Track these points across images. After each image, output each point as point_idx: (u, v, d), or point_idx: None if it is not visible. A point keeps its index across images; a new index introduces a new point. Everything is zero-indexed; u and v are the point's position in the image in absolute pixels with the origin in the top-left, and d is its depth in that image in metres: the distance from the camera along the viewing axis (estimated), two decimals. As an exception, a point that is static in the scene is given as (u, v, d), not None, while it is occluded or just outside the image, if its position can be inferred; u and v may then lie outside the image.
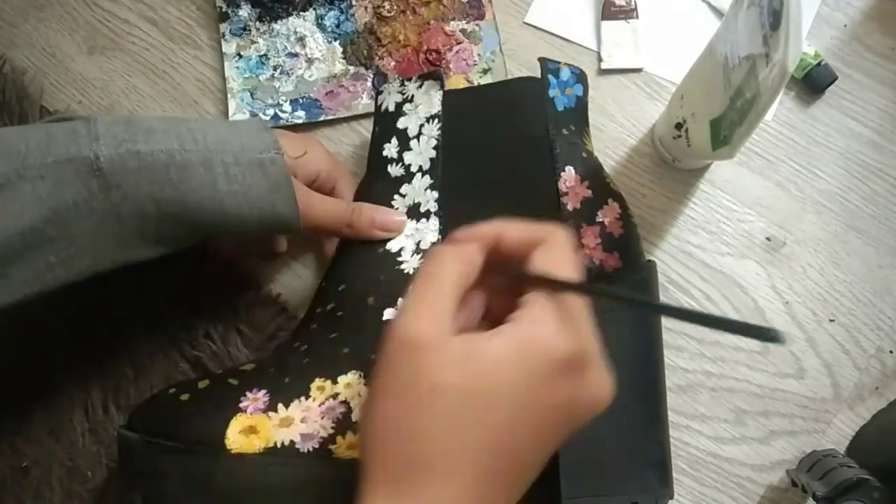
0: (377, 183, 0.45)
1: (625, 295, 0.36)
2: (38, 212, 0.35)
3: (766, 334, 0.25)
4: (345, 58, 0.54)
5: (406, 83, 0.46)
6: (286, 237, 0.48)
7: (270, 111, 0.53)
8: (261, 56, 0.54)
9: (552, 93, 0.45)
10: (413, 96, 0.46)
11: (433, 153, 0.45)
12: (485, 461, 0.28)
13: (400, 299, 0.42)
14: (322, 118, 0.53)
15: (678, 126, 0.48)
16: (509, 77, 0.53)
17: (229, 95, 0.53)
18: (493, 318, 0.31)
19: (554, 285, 0.30)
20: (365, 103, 0.53)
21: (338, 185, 0.46)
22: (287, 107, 0.53)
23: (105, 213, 0.37)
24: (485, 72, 0.54)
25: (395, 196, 0.45)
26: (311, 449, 0.37)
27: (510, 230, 0.32)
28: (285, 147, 0.41)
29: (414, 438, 0.28)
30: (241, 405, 0.38)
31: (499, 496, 0.28)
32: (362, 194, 0.45)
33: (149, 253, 0.39)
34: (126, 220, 0.37)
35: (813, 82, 0.53)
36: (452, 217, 0.44)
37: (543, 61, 0.46)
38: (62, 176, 0.36)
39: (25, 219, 0.35)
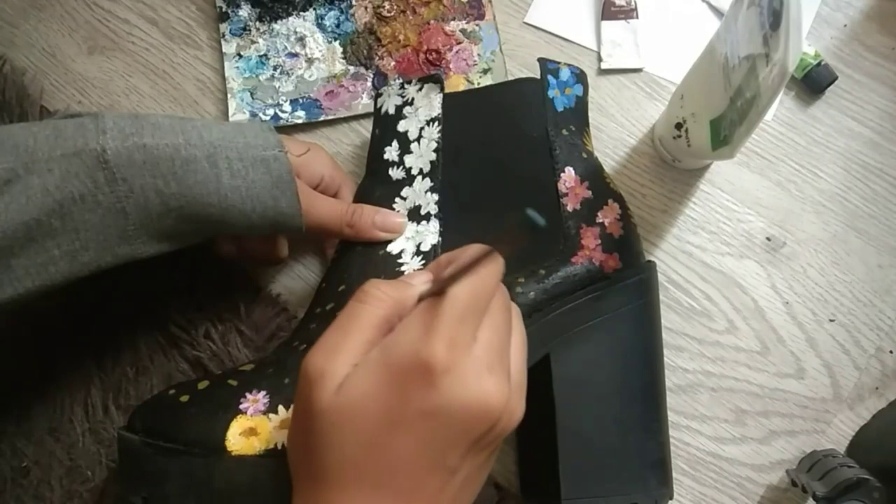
0: (378, 186, 0.45)
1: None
2: (44, 204, 0.36)
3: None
4: (345, 58, 0.54)
5: (406, 86, 0.46)
6: (287, 243, 0.48)
7: (270, 111, 0.53)
8: (261, 56, 0.54)
9: (552, 93, 0.45)
10: (413, 99, 0.46)
11: (433, 156, 0.45)
12: (369, 473, 0.30)
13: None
14: (322, 118, 0.53)
15: (678, 126, 0.48)
16: (509, 77, 0.53)
17: (229, 95, 0.53)
18: None
19: (437, 285, 0.32)
20: (365, 103, 0.53)
21: (341, 191, 0.47)
22: (287, 107, 0.53)
23: (110, 206, 0.37)
24: (485, 72, 0.54)
25: (396, 199, 0.45)
26: None
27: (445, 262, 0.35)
28: (289, 147, 0.42)
29: (308, 455, 0.31)
30: (241, 407, 0.38)
31: (400, 498, 0.30)
32: (363, 198, 0.45)
33: (152, 249, 0.39)
34: (131, 214, 0.38)
35: (813, 82, 0.53)
36: (453, 219, 0.44)
37: (543, 62, 0.46)
38: (69, 168, 0.36)
39: (32, 211, 0.36)
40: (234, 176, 0.39)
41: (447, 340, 0.29)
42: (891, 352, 0.50)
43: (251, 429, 0.37)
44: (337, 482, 0.30)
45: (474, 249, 0.31)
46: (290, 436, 0.33)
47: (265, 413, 0.38)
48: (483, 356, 0.30)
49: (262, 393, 0.38)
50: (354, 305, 0.32)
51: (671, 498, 0.43)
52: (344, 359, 0.31)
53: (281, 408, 0.38)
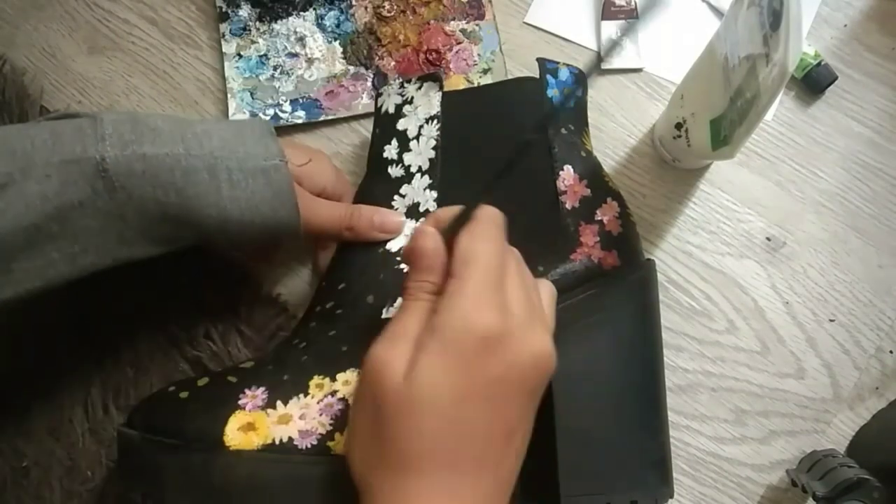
0: (377, 184, 0.46)
1: None
2: (42, 209, 0.36)
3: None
4: (345, 58, 0.54)
5: (405, 85, 0.46)
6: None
7: (270, 111, 0.53)
8: (261, 56, 0.54)
9: (550, 93, 0.45)
10: (412, 98, 0.46)
11: (432, 153, 0.45)
12: (446, 453, 0.31)
13: (400, 299, 0.42)
14: (322, 118, 0.53)
15: (678, 126, 0.48)
16: (509, 77, 0.53)
17: (229, 95, 0.53)
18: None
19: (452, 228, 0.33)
20: (365, 103, 0.53)
21: (342, 201, 0.47)
22: (287, 107, 0.53)
23: (109, 212, 0.37)
24: (485, 72, 0.54)
25: (395, 196, 0.45)
26: (309, 446, 0.37)
27: (444, 216, 0.35)
28: (290, 155, 0.42)
29: (383, 446, 0.31)
30: (239, 402, 0.38)
31: (480, 474, 0.31)
32: (363, 195, 0.46)
33: (150, 251, 0.39)
34: (129, 221, 0.38)
35: (813, 82, 0.53)
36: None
37: (542, 62, 0.46)
38: (68, 176, 0.36)
39: (30, 216, 0.35)
40: (233, 187, 0.39)
41: (492, 308, 0.31)
42: (891, 352, 0.50)
43: (249, 424, 0.37)
44: (417, 467, 0.31)
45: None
46: (355, 431, 0.34)
47: (264, 408, 0.38)
48: (523, 313, 0.32)
49: (261, 389, 0.39)
50: (404, 303, 0.34)
51: (671, 497, 0.43)
52: (404, 346, 0.32)
53: (279, 403, 0.38)
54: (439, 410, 0.30)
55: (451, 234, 0.33)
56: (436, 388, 0.30)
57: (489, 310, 0.31)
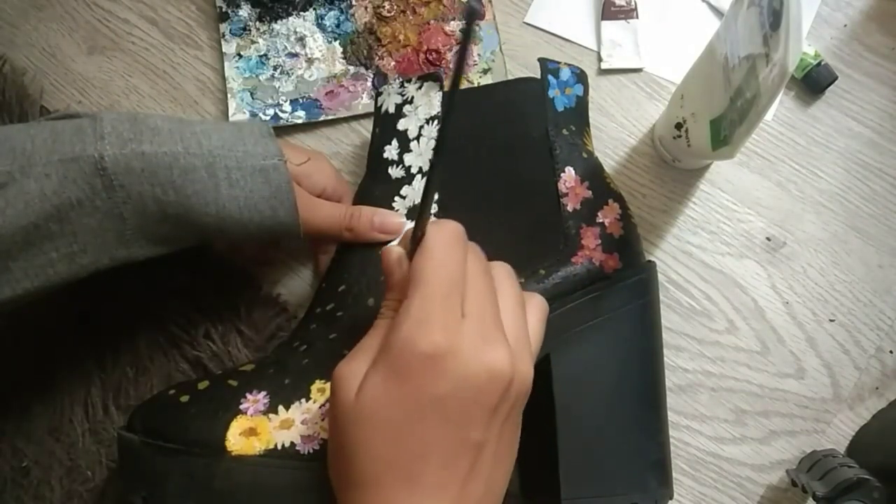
0: (378, 185, 0.45)
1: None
2: (42, 208, 0.36)
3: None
4: (345, 58, 0.54)
5: (405, 84, 0.46)
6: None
7: (270, 111, 0.53)
8: (261, 56, 0.54)
9: (552, 93, 0.45)
10: (413, 98, 0.46)
11: (433, 154, 0.45)
12: (401, 468, 0.31)
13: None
14: (322, 118, 0.53)
15: (678, 126, 0.48)
16: (509, 77, 0.53)
17: (229, 95, 0.53)
18: None
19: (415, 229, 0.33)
20: (365, 103, 0.53)
21: (342, 202, 0.47)
22: (287, 107, 0.53)
23: (108, 211, 0.37)
24: (485, 72, 0.54)
25: (396, 198, 0.45)
26: (311, 451, 0.37)
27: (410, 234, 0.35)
28: (289, 155, 0.42)
29: (343, 462, 0.32)
30: (241, 407, 0.38)
31: (442, 491, 0.31)
32: (362, 196, 0.45)
33: (150, 252, 0.39)
34: (128, 220, 0.38)
35: (813, 82, 0.53)
36: (452, 218, 0.44)
37: (543, 61, 0.46)
38: (67, 174, 0.36)
39: (30, 215, 0.35)
40: (232, 186, 0.39)
41: (438, 326, 0.30)
42: (891, 352, 0.50)
43: (251, 429, 0.37)
44: (373, 482, 0.31)
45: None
46: (329, 447, 0.34)
47: (265, 413, 0.38)
48: (476, 328, 0.31)
49: (263, 393, 0.38)
50: (375, 321, 0.34)
51: (671, 498, 0.43)
52: (362, 364, 0.32)
53: (281, 408, 0.38)
54: (386, 427, 0.31)
55: (412, 251, 0.33)
56: (380, 405, 0.31)
57: (433, 328, 0.30)
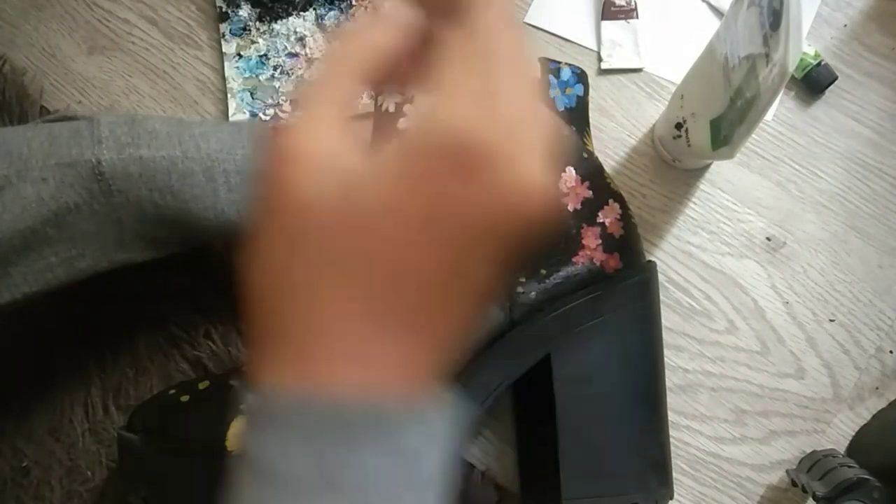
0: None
1: None
2: (39, 213, 0.36)
3: None
4: (345, 58, 0.54)
5: (406, 83, 0.46)
6: None
7: (270, 111, 0.53)
8: (261, 56, 0.54)
9: (553, 93, 0.45)
10: (414, 97, 0.46)
11: None
12: (384, 302, 0.21)
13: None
14: (322, 118, 0.53)
15: (678, 126, 0.48)
16: (509, 77, 0.53)
17: (229, 95, 0.53)
18: None
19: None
20: (365, 103, 0.53)
21: None
22: (287, 107, 0.53)
23: (106, 215, 0.37)
24: (485, 72, 0.54)
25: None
26: None
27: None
28: None
29: (292, 293, 0.22)
30: (241, 407, 0.38)
31: (407, 329, 0.22)
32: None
33: (149, 255, 0.39)
34: (126, 224, 0.37)
35: (813, 82, 0.53)
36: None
37: (544, 61, 0.46)
38: (64, 179, 0.36)
39: (27, 219, 0.35)
40: (231, 190, 0.39)
41: (510, 116, 0.21)
42: (891, 352, 0.50)
43: (252, 429, 0.37)
44: (340, 318, 0.21)
45: None
46: (252, 277, 0.23)
47: None
48: (536, 136, 0.22)
49: None
50: (327, 62, 0.24)
51: (671, 498, 0.43)
52: (330, 132, 0.22)
53: None
54: (384, 237, 0.21)
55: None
56: (388, 205, 0.21)
57: (489, 114, 0.21)
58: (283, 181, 0.22)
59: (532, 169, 0.21)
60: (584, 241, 0.43)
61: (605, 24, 0.55)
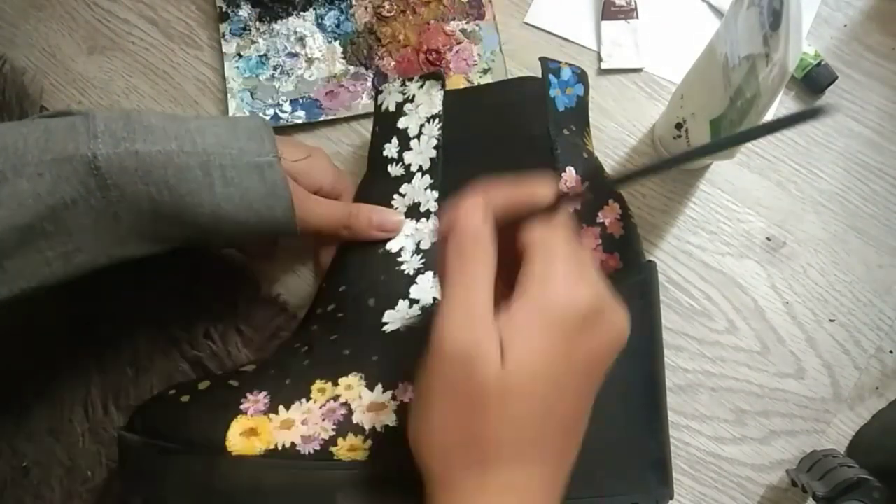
0: (377, 182, 0.45)
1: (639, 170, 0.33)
2: (35, 208, 0.35)
3: (811, 114, 0.27)
4: (345, 58, 0.54)
5: (407, 83, 0.46)
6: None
7: (270, 111, 0.53)
8: (261, 56, 0.54)
9: (553, 93, 0.45)
10: (414, 96, 0.46)
11: (433, 153, 0.45)
12: (543, 442, 0.30)
13: (401, 301, 0.42)
14: (322, 118, 0.53)
15: (678, 126, 0.48)
16: (509, 77, 0.53)
17: (229, 95, 0.53)
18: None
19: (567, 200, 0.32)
20: (365, 103, 0.53)
21: (341, 199, 0.46)
22: (287, 107, 0.53)
23: (102, 210, 0.37)
24: (485, 72, 0.54)
25: (395, 196, 0.45)
26: (312, 451, 0.37)
27: (496, 198, 0.32)
28: (286, 152, 0.41)
29: (475, 440, 0.30)
30: (241, 407, 0.38)
31: (558, 460, 0.31)
32: (363, 194, 0.45)
33: (146, 250, 0.39)
34: (123, 219, 0.37)
35: (813, 82, 0.53)
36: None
37: (544, 61, 0.46)
38: (60, 173, 0.36)
39: (23, 215, 0.35)
40: (227, 184, 0.39)
41: (587, 284, 0.31)
42: (891, 352, 0.50)
43: (252, 429, 0.37)
44: (516, 458, 0.30)
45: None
46: (432, 423, 0.31)
47: (266, 413, 0.38)
48: (605, 288, 0.31)
49: (263, 393, 0.38)
50: (460, 263, 0.31)
51: (671, 498, 0.43)
52: (486, 326, 0.30)
53: (282, 408, 0.38)
54: (540, 395, 0.29)
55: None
56: (538, 371, 0.29)
57: (585, 286, 0.30)
58: (472, 374, 0.29)
59: (620, 311, 0.32)
60: (583, 242, 0.43)
61: (605, 24, 0.55)
